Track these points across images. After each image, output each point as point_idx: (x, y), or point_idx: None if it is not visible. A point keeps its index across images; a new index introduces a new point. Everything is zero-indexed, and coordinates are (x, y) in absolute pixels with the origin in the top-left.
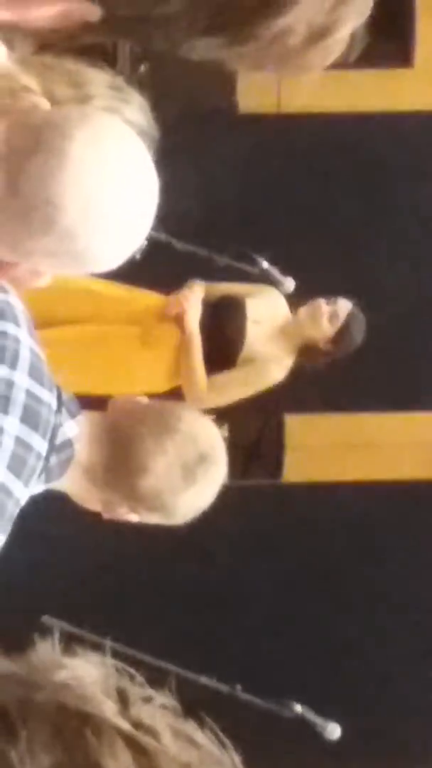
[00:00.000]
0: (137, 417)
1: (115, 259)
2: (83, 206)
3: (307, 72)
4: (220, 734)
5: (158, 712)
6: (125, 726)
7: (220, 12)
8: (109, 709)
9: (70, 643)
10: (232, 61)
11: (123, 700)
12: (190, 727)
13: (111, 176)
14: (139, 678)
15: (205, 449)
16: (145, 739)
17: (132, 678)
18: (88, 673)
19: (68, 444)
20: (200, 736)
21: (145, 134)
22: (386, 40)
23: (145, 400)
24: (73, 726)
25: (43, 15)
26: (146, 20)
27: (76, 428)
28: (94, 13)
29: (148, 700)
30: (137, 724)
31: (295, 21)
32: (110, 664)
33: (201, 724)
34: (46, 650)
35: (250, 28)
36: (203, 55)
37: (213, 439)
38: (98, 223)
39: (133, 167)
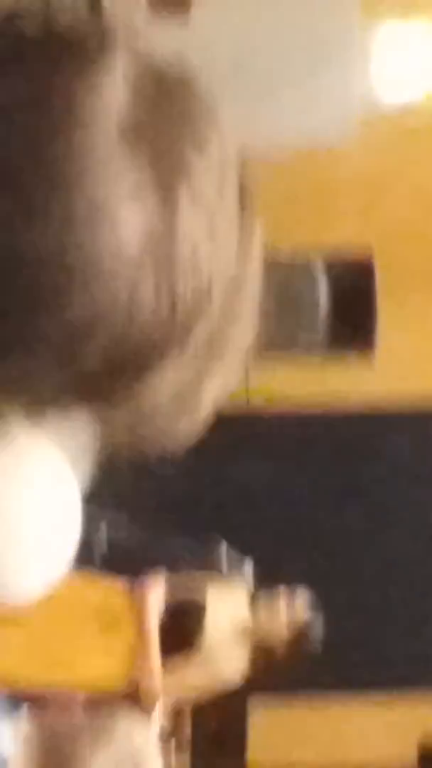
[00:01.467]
0: (72, 732)
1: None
2: None
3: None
4: None
5: None
6: None
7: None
8: None
9: None
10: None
11: None
12: None
13: None
14: None
15: (138, 760)
16: None
17: None
18: None
19: (3, 763)
20: None
21: None
22: (348, 326)
23: (81, 701)
24: None
25: None
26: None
27: (12, 748)
28: None
29: None
30: None
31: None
32: None
33: None
34: None
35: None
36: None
37: (147, 746)
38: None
39: None
